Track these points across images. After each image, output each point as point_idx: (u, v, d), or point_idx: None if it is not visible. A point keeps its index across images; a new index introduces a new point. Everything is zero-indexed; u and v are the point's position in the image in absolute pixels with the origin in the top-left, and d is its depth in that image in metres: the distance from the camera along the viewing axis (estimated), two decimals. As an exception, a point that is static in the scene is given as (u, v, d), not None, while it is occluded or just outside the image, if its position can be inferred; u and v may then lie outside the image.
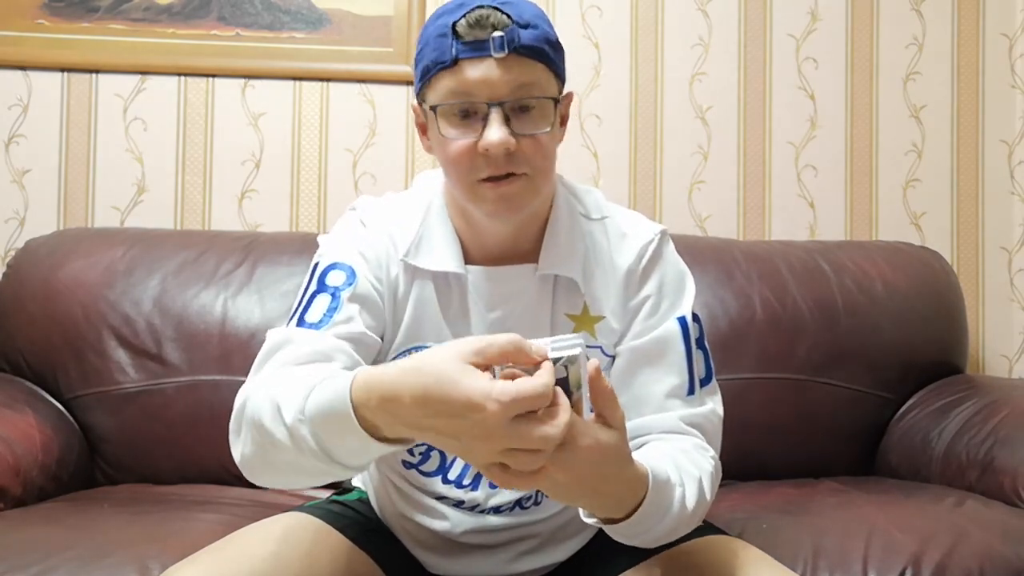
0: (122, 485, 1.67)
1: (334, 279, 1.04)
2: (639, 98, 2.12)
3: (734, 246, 1.90)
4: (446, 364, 0.75)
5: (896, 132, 2.16)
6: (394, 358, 1.09)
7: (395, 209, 1.12)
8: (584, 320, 1.09)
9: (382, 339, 1.08)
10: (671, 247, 1.14)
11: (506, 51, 0.96)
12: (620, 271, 1.10)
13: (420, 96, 1.04)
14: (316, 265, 1.07)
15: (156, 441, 1.68)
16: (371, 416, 0.79)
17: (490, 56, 0.96)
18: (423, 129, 1.07)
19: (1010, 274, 2.18)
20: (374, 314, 1.06)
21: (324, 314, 1.01)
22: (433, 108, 1.00)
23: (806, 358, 1.79)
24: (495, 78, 0.97)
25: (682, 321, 1.08)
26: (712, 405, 1.09)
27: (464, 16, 0.97)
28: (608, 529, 0.92)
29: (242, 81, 2.03)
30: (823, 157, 2.15)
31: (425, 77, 1.01)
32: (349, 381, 0.80)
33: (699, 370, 1.08)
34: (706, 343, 1.11)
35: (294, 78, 2.04)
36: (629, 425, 1.05)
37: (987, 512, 1.38)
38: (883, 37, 2.16)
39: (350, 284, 1.03)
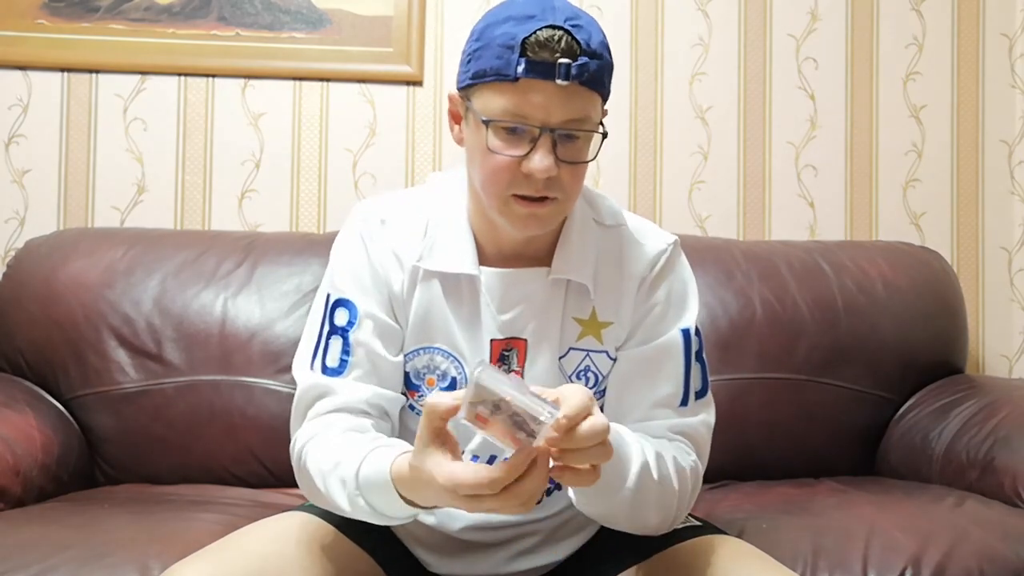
0: (122, 485, 1.67)
1: (340, 318, 1.08)
2: (639, 98, 2.12)
3: (734, 246, 1.90)
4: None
5: (896, 132, 2.16)
6: (406, 356, 1.11)
7: (403, 213, 1.12)
8: (591, 325, 1.10)
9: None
10: (683, 258, 1.16)
11: (569, 81, 0.95)
12: (632, 278, 1.11)
13: (463, 90, 1.03)
14: (328, 297, 1.10)
15: (156, 441, 1.68)
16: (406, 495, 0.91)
17: (553, 82, 0.95)
18: (456, 118, 1.07)
19: (1010, 274, 2.18)
20: (384, 336, 1.08)
21: (340, 358, 1.07)
22: (486, 122, 0.98)
23: (806, 358, 1.78)
24: (554, 105, 0.96)
25: (685, 333, 1.10)
26: (704, 415, 1.10)
27: (535, 33, 0.95)
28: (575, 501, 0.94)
29: (242, 81, 2.03)
30: (823, 157, 2.15)
31: (478, 79, 0.99)
32: (388, 468, 0.91)
33: (695, 383, 1.10)
34: (704, 356, 1.12)
35: (294, 78, 2.04)
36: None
37: (987, 512, 1.38)
38: (883, 37, 2.16)
39: (353, 324, 1.07)
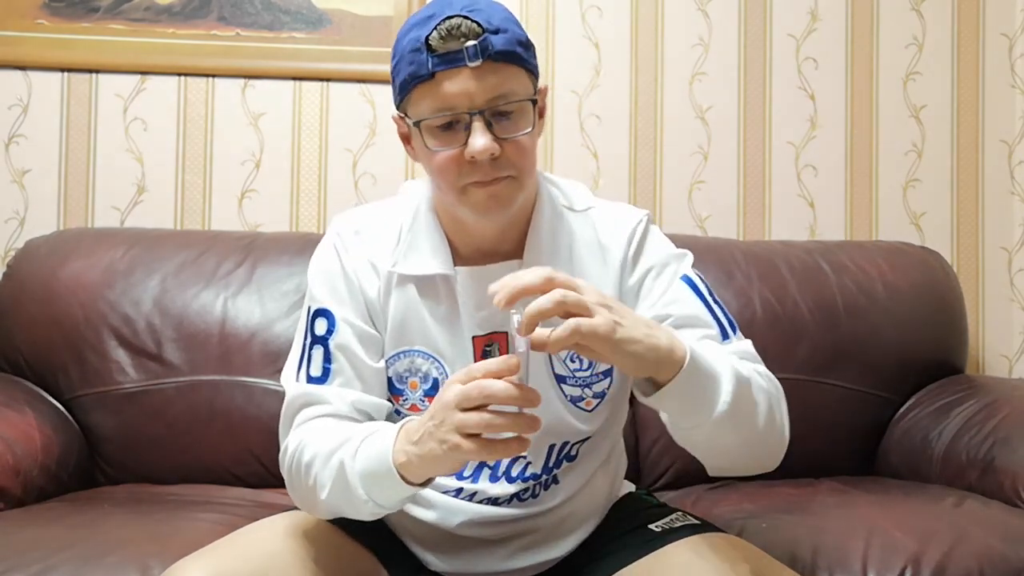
0: (122, 485, 1.67)
1: (320, 327, 1.11)
2: (639, 98, 2.12)
3: (734, 246, 1.90)
4: None
5: (896, 132, 2.16)
6: (387, 361, 1.12)
7: (376, 222, 1.14)
8: None
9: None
10: (657, 228, 1.18)
11: (480, 60, 0.98)
12: (611, 255, 1.13)
13: (400, 108, 1.06)
14: (309, 309, 1.13)
15: (156, 441, 1.68)
16: (403, 460, 0.93)
17: (466, 66, 0.98)
18: (406, 139, 1.09)
19: (1010, 274, 2.18)
20: (364, 342, 1.10)
21: (323, 367, 1.09)
22: (417, 124, 1.02)
23: (806, 358, 1.78)
24: (473, 88, 0.99)
25: (687, 280, 1.11)
26: (748, 342, 1.10)
27: (435, 28, 0.98)
28: (667, 396, 0.92)
29: (242, 81, 2.03)
30: (823, 157, 2.15)
31: (404, 91, 1.03)
32: (392, 442, 0.94)
33: (724, 320, 1.10)
34: (718, 298, 1.13)
35: (294, 78, 2.04)
36: None
37: (987, 512, 1.39)
38: (883, 37, 2.16)
39: (331, 332, 1.10)
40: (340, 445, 0.99)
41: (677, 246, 1.18)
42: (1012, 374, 2.17)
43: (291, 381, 1.11)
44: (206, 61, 2.01)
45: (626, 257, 1.13)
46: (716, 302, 1.11)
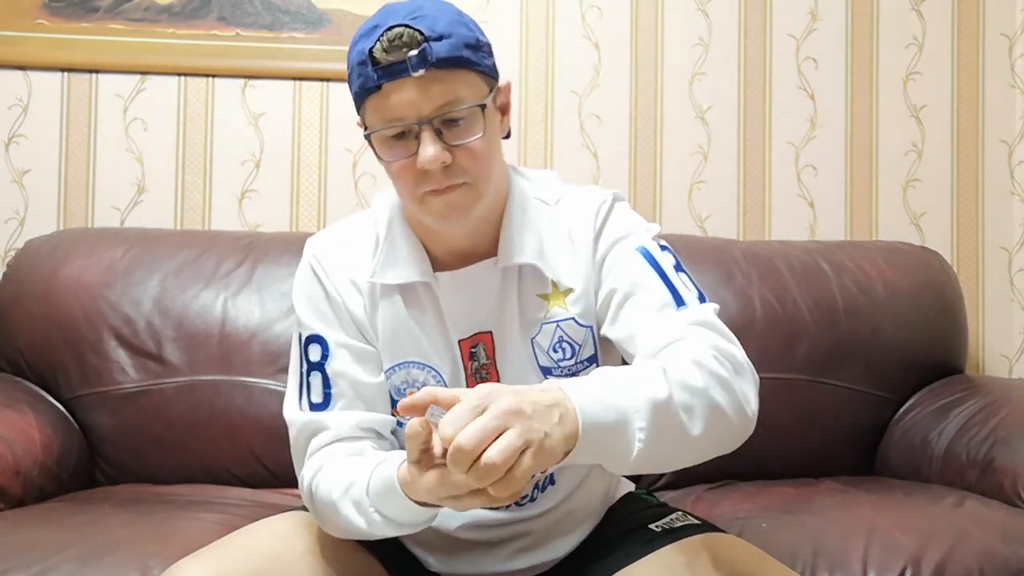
0: (122, 485, 1.67)
1: (314, 354, 1.10)
2: (639, 98, 2.12)
3: (734, 246, 1.90)
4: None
5: (896, 132, 2.16)
6: (385, 373, 1.11)
7: (351, 240, 1.14)
8: (555, 296, 1.11)
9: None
10: (625, 205, 1.15)
11: (424, 69, 0.97)
12: (583, 239, 1.11)
13: (360, 117, 1.06)
14: (300, 336, 1.12)
15: (156, 441, 1.68)
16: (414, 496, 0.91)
17: (409, 76, 0.97)
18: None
19: (1010, 274, 2.18)
20: (361, 360, 1.10)
21: (324, 392, 1.09)
22: (368, 136, 1.02)
23: (806, 358, 1.78)
24: (418, 98, 0.98)
25: (642, 251, 1.08)
26: (713, 309, 1.06)
27: (378, 40, 0.98)
28: (573, 461, 0.85)
29: (242, 81, 2.03)
30: (823, 157, 2.15)
31: (358, 102, 1.03)
32: (394, 474, 0.93)
33: (685, 291, 1.05)
34: (686, 269, 1.09)
35: (294, 78, 2.04)
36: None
37: (987, 512, 1.39)
38: (883, 37, 2.16)
39: (326, 357, 1.10)
40: (351, 485, 0.99)
41: (676, 245, 1.17)
42: (1012, 374, 2.17)
43: (295, 411, 1.10)
44: (206, 61, 2.01)
45: (591, 240, 1.11)
46: (680, 271, 1.07)
